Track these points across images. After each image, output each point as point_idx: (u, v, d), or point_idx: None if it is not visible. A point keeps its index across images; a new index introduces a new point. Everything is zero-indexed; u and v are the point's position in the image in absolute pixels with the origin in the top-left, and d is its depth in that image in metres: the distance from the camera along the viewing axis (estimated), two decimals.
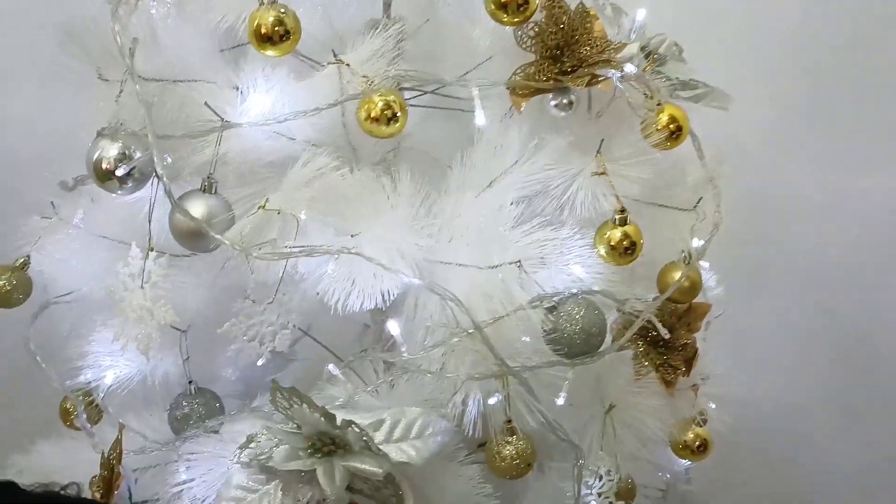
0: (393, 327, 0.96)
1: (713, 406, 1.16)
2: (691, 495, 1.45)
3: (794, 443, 1.67)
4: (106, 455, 0.98)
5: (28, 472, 1.11)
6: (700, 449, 1.12)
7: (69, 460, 1.13)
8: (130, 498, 1.00)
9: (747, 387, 1.15)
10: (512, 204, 0.98)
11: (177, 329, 1.11)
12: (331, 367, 0.99)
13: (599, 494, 1.10)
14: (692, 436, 1.12)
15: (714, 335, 1.13)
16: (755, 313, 1.62)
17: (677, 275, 1.02)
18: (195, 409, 1.12)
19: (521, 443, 0.97)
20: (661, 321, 1.01)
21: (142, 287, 1.02)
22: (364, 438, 0.89)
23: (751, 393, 1.17)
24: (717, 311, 1.14)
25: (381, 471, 0.89)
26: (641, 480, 1.31)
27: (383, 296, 0.92)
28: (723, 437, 1.16)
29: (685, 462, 1.39)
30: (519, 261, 0.94)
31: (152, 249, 1.02)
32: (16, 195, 1.27)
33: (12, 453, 1.15)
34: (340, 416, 0.89)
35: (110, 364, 1.14)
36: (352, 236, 0.93)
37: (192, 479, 1.03)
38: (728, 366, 1.14)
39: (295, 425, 0.91)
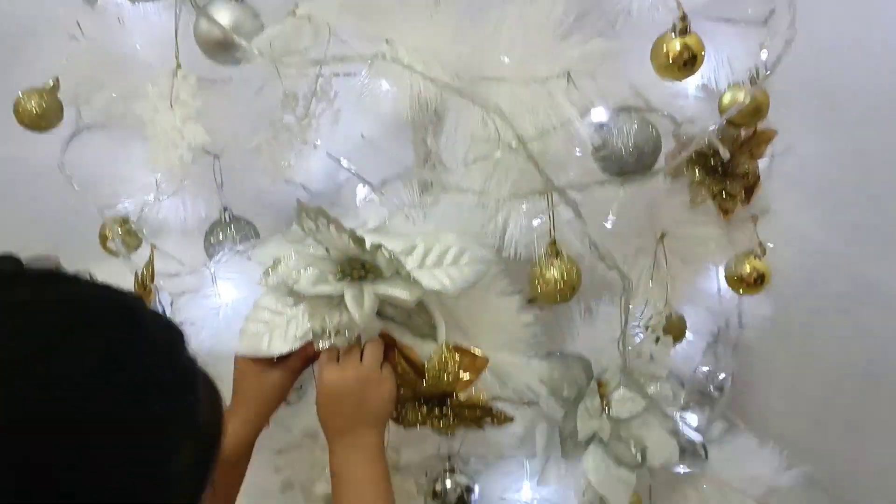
0: (432, 142, 0.90)
1: (771, 245, 1.08)
2: (744, 340, 1.41)
3: (859, 285, 1.57)
4: (139, 275, 0.96)
5: None
6: (756, 282, 1.06)
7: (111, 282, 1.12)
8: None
9: (813, 222, 1.07)
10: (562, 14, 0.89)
11: (209, 153, 1.07)
12: (363, 188, 0.94)
13: (647, 327, 1.05)
14: (748, 268, 1.05)
15: (779, 164, 1.04)
16: (825, 145, 1.47)
17: (741, 95, 0.93)
18: (230, 237, 1.09)
19: (565, 265, 0.91)
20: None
21: (171, 107, 0.97)
22: (394, 263, 0.85)
23: (817, 229, 1.08)
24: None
25: (411, 297, 0.85)
26: (693, 325, 1.26)
27: (420, 108, 0.85)
28: (782, 273, 1.09)
29: (738, 305, 1.34)
30: (568, 73, 0.86)
31: (179, 66, 0.97)
32: (41, 15, 1.23)
33: None
34: (370, 240, 0.85)
35: (145, 190, 1.11)
36: (387, 42, 0.86)
37: (226, 303, 1.02)
38: (793, 198, 1.05)
39: (324, 249, 0.87)
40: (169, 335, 0.53)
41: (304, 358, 0.90)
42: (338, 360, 0.87)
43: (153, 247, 0.99)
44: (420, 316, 0.88)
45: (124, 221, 1.16)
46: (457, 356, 0.86)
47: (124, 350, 0.49)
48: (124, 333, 0.49)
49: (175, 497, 0.50)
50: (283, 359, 0.89)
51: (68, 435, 0.44)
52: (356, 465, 0.84)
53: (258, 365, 0.89)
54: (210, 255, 1.10)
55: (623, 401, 1.04)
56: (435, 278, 0.86)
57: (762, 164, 1.00)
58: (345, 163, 1.11)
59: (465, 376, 0.86)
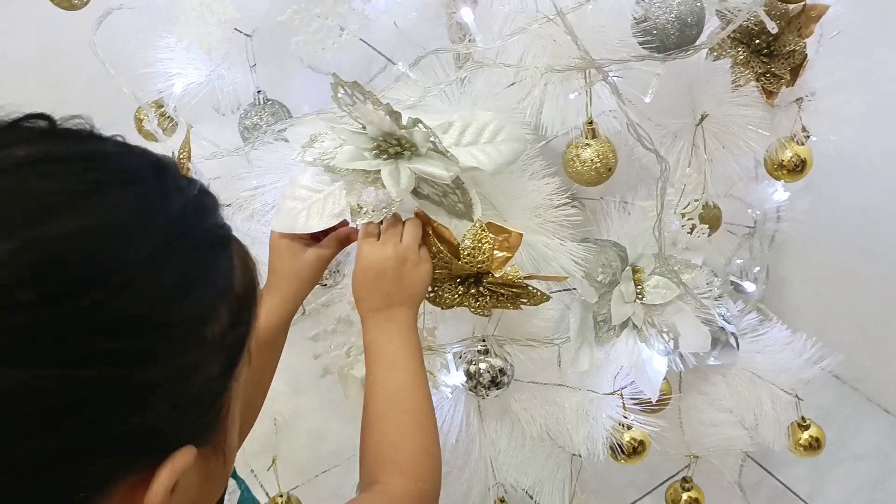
0: (466, 15, 0.87)
1: (814, 137, 1.05)
2: (781, 235, 1.39)
3: None
4: (176, 154, 0.96)
5: None
6: (797, 169, 1.03)
7: None
8: None
9: (861, 105, 1.03)
10: None
11: (241, 33, 1.06)
12: (399, 64, 0.92)
13: (683, 215, 1.04)
14: (790, 154, 1.03)
15: (829, 44, 1.00)
16: (881, 26, 1.40)
17: None
18: (264, 119, 1.09)
19: (602, 145, 0.89)
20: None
21: None
22: (431, 139, 0.84)
23: (865, 113, 1.04)
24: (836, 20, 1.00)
25: (448, 174, 0.84)
26: (729, 215, 1.25)
27: None
28: (825, 160, 1.06)
29: (776, 199, 1.32)
30: None
31: None
32: None
33: None
34: (407, 116, 0.83)
35: (178, 72, 1.11)
36: None
37: (262, 185, 1.02)
38: (842, 80, 1.02)
39: (360, 126, 0.86)
40: (202, 197, 0.52)
41: (339, 240, 0.91)
42: (378, 237, 0.87)
43: (189, 127, 0.99)
44: (455, 194, 0.87)
45: (158, 105, 1.16)
46: (491, 234, 0.86)
47: (158, 204, 0.47)
48: (158, 188, 0.48)
49: (210, 362, 0.48)
50: (317, 239, 0.90)
51: (98, 286, 0.42)
52: (389, 341, 0.84)
53: (293, 245, 0.89)
54: (244, 138, 1.09)
55: (657, 288, 1.03)
56: (472, 155, 0.85)
57: (810, 43, 0.96)
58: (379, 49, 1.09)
59: (501, 254, 0.86)
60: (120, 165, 0.47)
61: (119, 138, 0.51)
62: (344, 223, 0.89)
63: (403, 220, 0.88)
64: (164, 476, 0.44)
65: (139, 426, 0.44)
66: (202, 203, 0.51)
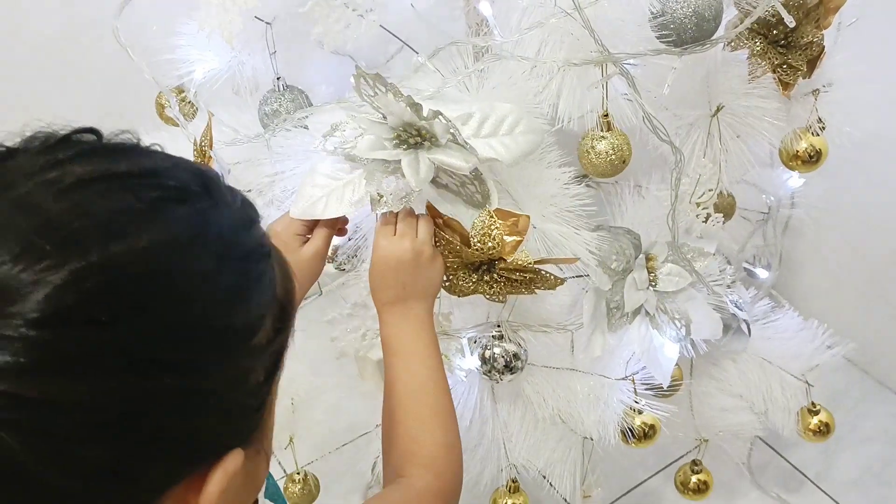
0: (485, 8, 0.88)
1: (833, 119, 1.06)
2: (795, 221, 1.40)
3: None
4: (198, 142, 0.98)
5: None
6: (812, 159, 1.04)
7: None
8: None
9: (878, 97, 1.03)
10: None
11: (261, 21, 1.07)
12: (419, 56, 0.93)
13: (698, 204, 1.05)
14: (806, 145, 1.04)
15: (846, 35, 1.00)
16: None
17: None
18: (284, 105, 1.10)
19: (617, 137, 0.91)
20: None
21: None
22: (451, 131, 0.85)
23: (881, 104, 1.04)
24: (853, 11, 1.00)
25: (467, 165, 0.86)
26: (743, 203, 1.25)
27: None
28: (840, 152, 1.07)
29: (791, 186, 1.33)
30: None
31: None
32: None
33: None
34: (427, 107, 0.85)
35: (199, 58, 1.12)
36: None
37: (281, 172, 1.04)
38: (859, 72, 1.02)
39: (381, 115, 0.88)
40: (246, 209, 0.53)
41: (328, 230, 0.92)
42: (394, 231, 0.88)
43: (210, 114, 1.00)
44: (473, 185, 0.89)
45: (180, 91, 1.17)
46: (499, 219, 0.87)
47: (211, 219, 0.48)
48: (210, 203, 0.49)
49: (258, 368, 0.50)
50: (310, 239, 0.91)
51: (161, 302, 0.44)
52: (407, 335, 0.85)
53: (288, 244, 0.90)
54: (264, 125, 1.11)
55: (670, 275, 1.05)
56: (490, 147, 0.86)
57: (828, 35, 0.97)
58: (395, 33, 1.10)
59: (511, 239, 0.87)
60: (174, 181, 0.48)
61: (157, 147, 0.53)
62: (332, 222, 0.91)
63: (417, 214, 0.89)
64: (217, 479, 0.47)
65: (196, 432, 0.46)
66: (247, 215, 0.52)
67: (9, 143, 0.47)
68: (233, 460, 0.48)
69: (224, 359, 0.47)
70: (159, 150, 0.52)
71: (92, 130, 0.49)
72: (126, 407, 0.42)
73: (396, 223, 0.89)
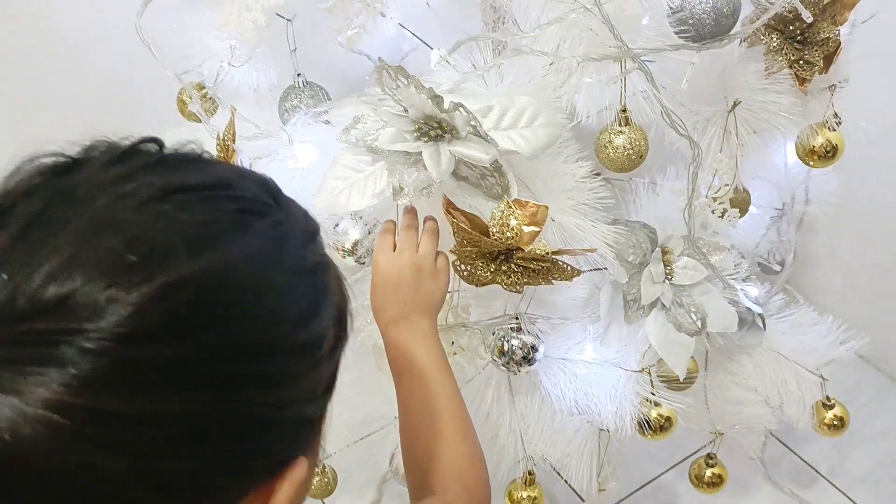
0: (505, 2, 0.90)
1: (848, 115, 1.06)
2: (809, 217, 1.40)
3: None
4: (221, 136, 0.99)
5: None
6: (828, 154, 1.05)
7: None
8: None
9: (893, 93, 1.04)
10: None
11: (282, 17, 1.09)
12: (437, 50, 0.94)
13: (714, 199, 1.06)
14: (822, 140, 1.04)
15: (861, 31, 1.01)
16: None
17: None
18: (304, 101, 1.12)
19: (634, 132, 0.92)
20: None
21: None
22: (472, 123, 0.86)
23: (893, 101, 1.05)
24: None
25: (487, 157, 0.87)
26: (758, 198, 1.26)
27: None
28: (855, 145, 1.08)
29: (805, 183, 1.34)
30: None
31: None
32: None
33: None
34: (448, 100, 0.86)
35: (220, 55, 1.13)
36: None
37: (302, 166, 1.05)
38: (874, 67, 1.03)
39: (402, 108, 0.89)
40: (308, 220, 0.53)
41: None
42: (394, 248, 0.87)
43: (233, 109, 1.02)
44: (493, 177, 0.90)
45: (200, 87, 1.19)
46: (517, 209, 0.88)
47: (284, 232, 0.48)
48: (281, 216, 0.48)
49: (323, 378, 0.50)
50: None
51: (241, 317, 0.44)
52: (415, 353, 0.83)
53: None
54: (284, 120, 1.13)
55: (686, 269, 1.06)
56: (510, 139, 0.87)
57: (843, 31, 0.98)
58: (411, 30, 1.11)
59: (529, 229, 0.88)
60: (248, 193, 0.48)
61: (206, 155, 0.52)
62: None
63: (420, 228, 0.89)
64: (285, 489, 0.47)
65: (267, 443, 0.46)
66: (311, 225, 0.52)
67: (69, 153, 0.46)
68: (299, 470, 0.48)
69: (299, 371, 0.47)
70: (219, 160, 0.52)
71: (154, 140, 0.49)
72: (207, 421, 0.43)
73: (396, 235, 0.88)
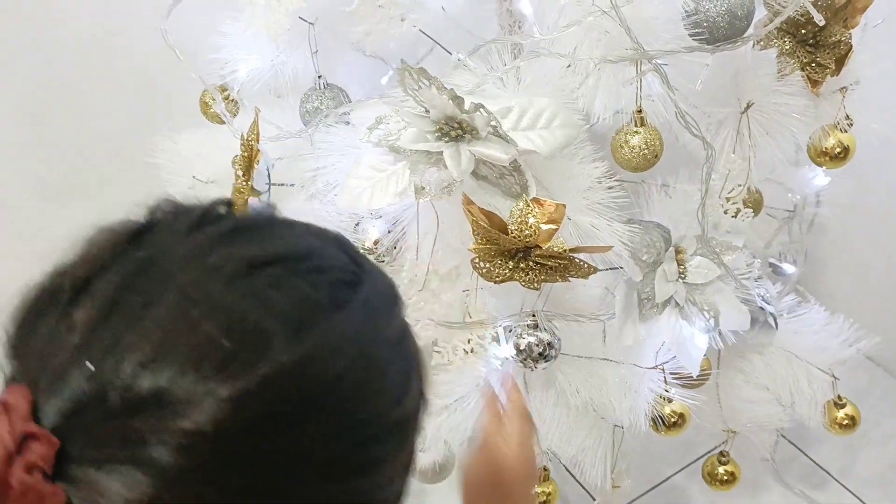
0: (524, 6, 0.92)
1: (860, 117, 1.08)
2: (820, 219, 1.42)
3: None
4: (245, 136, 1.02)
5: (174, 154, 1.18)
6: (840, 156, 1.07)
7: (209, 147, 1.19)
8: (269, 176, 1.05)
9: None
10: None
11: (305, 21, 1.11)
12: (458, 53, 0.97)
13: (727, 199, 1.08)
14: (833, 141, 1.06)
15: (873, 34, 1.03)
16: None
17: None
18: (325, 103, 1.14)
19: (649, 133, 0.94)
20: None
21: None
22: (492, 123, 0.89)
23: None
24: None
25: (507, 156, 0.89)
26: (770, 200, 1.28)
27: None
28: (866, 148, 1.10)
29: (816, 185, 1.35)
30: None
31: None
32: None
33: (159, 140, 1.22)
34: (469, 101, 0.88)
35: (242, 57, 1.16)
36: None
37: (323, 167, 1.07)
38: (885, 69, 1.05)
39: (423, 109, 0.91)
40: (385, 277, 0.50)
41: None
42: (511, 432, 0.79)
43: (257, 109, 1.04)
44: (512, 176, 0.92)
45: (223, 89, 1.22)
46: (535, 207, 0.90)
47: (377, 304, 0.46)
48: (370, 285, 0.46)
49: (412, 455, 0.48)
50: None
51: (350, 398, 0.42)
52: None
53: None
54: (305, 122, 1.15)
55: (699, 268, 1.08)
56: (529, 139, 0.90)
57: (854, 34, 1.00)
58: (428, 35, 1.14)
59: (547, 227, 0.90)
60: (334, 261, 0.45)
61: (277, 214, 0.49)
62: None
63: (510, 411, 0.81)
64: None
65: None
66: (391, 285, 0.49)
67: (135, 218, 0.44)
68: None
69: (396, 450, 0.45)
70: (299, 222, 0.49)
71: (225, 202, 0.46)
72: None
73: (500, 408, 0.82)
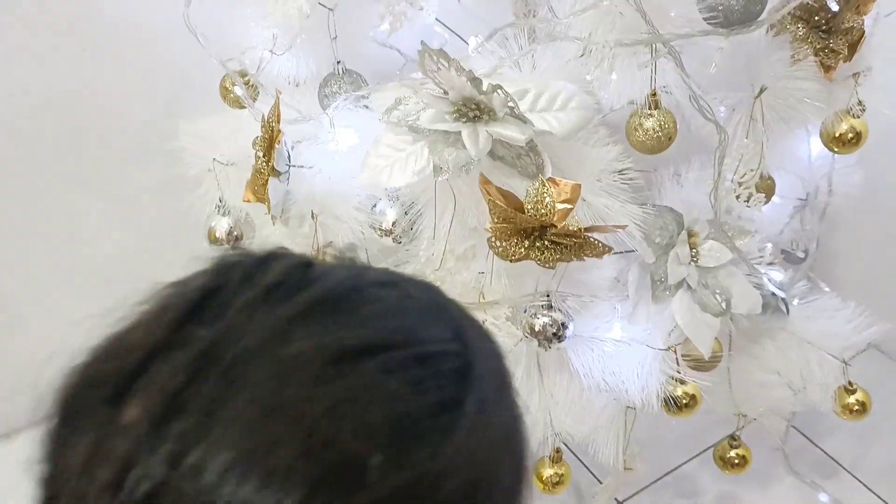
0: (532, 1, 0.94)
1: (872, 103, 1.09)
2: (831, 207, 1.43)
3: None
4: (266, 118, 1.04)
5: (195, 136, 1.21)
6: (852, 141, 1.08)
7: (229, 130, 1.21)
8: (289, 157, 1.07)
9: None
10: None
11: (324, 7, 1.13)
12: (474, 38, 0.99)
13: (740, 184, 1.09)
14: (846, 127, 1.08)
15: (885, 21, 1.05)
16: None
17: None
18: (343, 88, 1.16)
19: (663, 115, 0.96)
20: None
21: None
22: (509, 104, 0.90)
23: None
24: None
25: (523, 136, 0.91)
26: (782, 188, 1.29)
27: None
28: (878, 136, 1.11)
29: (828, 173, 1.36)
30: None
31: None
32: None
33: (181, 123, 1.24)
34: (486, 82, 0.90)
35: (262, 43, 1.18)
36: None
37: (342, 149, 1.09)
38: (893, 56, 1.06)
39: (441, 91, 0.93)
40: (500, 356, 0.45)
41: None
42: None
43: (278, 91, 1.07)
44: (529, 157, 0.94)
45: (243, 74, 1.24)
46: (551, 187, 0.92)
47: (487, 399, 0.39)
48: (477, 374, 0.39)
49: None
50: None
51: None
52: None
53: None
54: (323, 105, 1.17)
55: (711, 251, 1.09)
56: (545, 121, 0.92)
57: (867, 20, 1.01)
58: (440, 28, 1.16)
59: (562, 206, 0.92)
60: (438, 344, 0.39)
61: (360, 263, 0.44)
62: None
63: None
64: None
65: None
66: (503, 360, 0.44)
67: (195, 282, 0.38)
68: None
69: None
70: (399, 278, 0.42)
71: (305, 262, 0.40)
72: None
73: None
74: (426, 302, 0.42)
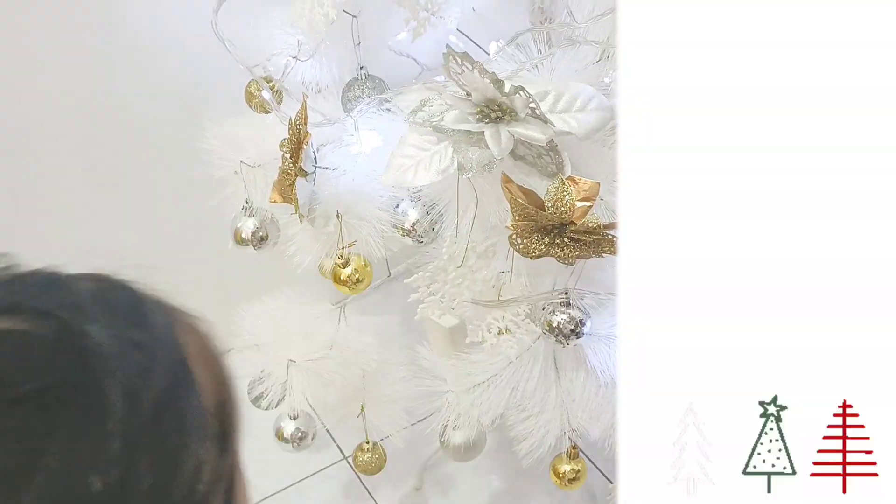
0: (549, 6, 0.97)
1: None
2: None
3: None
4: (293, 120, 1.07)
5: (222, 139, 1.24)
6: None
7: (255, 134, 1.25)
8: (315, 159, 1.11)
9: None
10: None
11: (348, 14, 1.17)
12: (495, 43, 1.02)
13: None
14: None
15: None
16: None
17: None
18: (366, 92, 1.20)
19: None
20: None
21: None
22: (531, 105, 0.94)
23: None
24: None
25: (544, 136, 0.95)
26: None
27: None
28: None
29: None
30: None
31: None
32: None
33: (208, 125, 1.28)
34: (509, 84, 0.94)
35: (288, 49, 1.22)
36: None
37: (365, 152, 1.13)
38: None
39: (465, 92, 0.97)
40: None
41: None
42: None
43: (305, 95, 1.10)
44: (549, 156, 0.97)
45: (268, 80, 1.28)
46: (571, 185, 0.95)
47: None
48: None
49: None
50: None
51: None
52: None
53: None
54: (347, 110, 1.21)
55: None
56: (565, 122, 0.95)
57: None
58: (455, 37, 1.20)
59: (582, 204, 0.95)
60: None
61: None
62: None
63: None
64: None
65: None
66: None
67: None
68: None
69: None
70: None
71: None
72: None
73: None
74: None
